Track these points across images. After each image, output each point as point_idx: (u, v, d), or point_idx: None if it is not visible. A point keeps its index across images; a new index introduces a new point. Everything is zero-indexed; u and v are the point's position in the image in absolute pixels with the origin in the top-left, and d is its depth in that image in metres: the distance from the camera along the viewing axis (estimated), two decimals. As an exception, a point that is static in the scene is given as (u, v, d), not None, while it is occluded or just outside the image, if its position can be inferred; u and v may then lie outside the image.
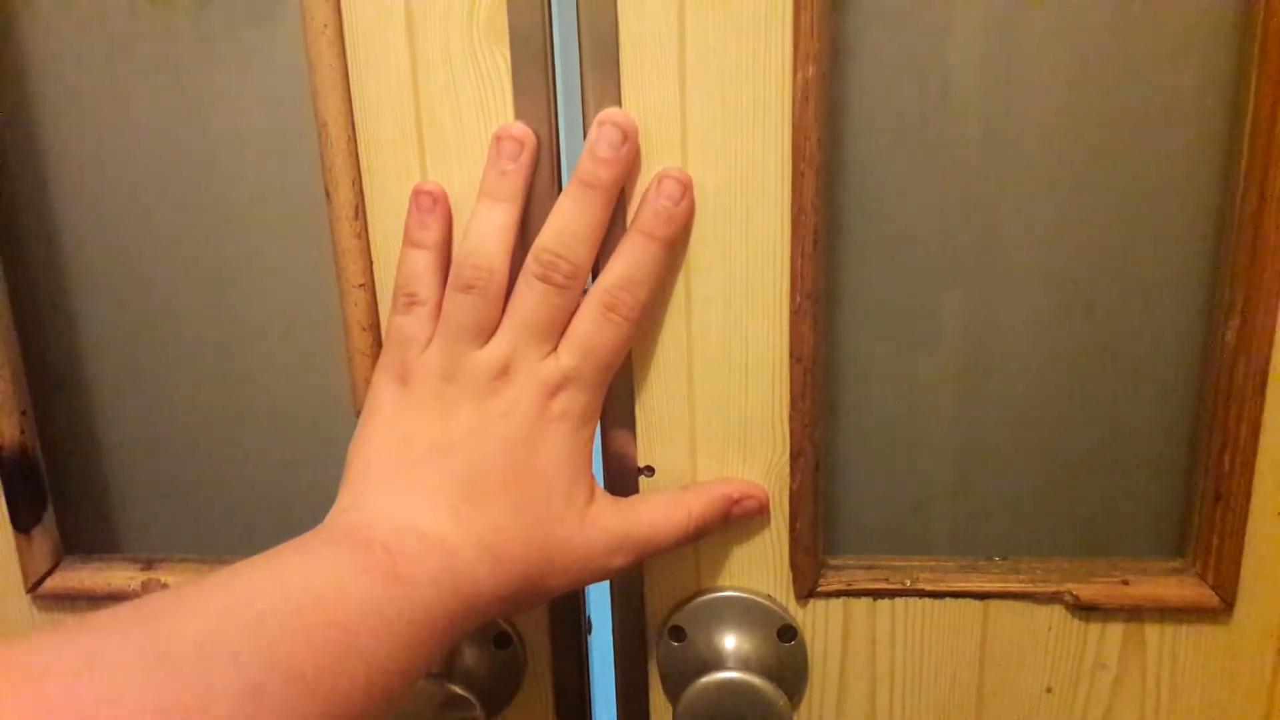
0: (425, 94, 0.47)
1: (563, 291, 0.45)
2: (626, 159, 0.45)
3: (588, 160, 0.45)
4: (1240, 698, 0.52)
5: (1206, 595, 0.50)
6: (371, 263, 0.50)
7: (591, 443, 0.48)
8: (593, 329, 0.46)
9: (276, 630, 0.35)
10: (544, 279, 0.45)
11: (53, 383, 0.56)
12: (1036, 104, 0.47)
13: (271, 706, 0.34)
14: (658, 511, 0.48)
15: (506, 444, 0.45)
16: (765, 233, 0.47)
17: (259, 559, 0.39)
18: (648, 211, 0.46)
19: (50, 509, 0.57)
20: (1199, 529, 0.50)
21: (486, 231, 0.45)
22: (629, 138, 0.45)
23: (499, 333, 0.46)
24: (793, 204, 0.46)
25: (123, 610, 0.35)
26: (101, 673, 0.32)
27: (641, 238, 0.46)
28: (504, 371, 0.45)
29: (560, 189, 0.46)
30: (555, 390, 0.46)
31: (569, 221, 0.45)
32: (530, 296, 0.45)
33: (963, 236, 0.49)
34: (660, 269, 0.47)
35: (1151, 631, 0.52)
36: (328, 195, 0.48)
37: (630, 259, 0.46)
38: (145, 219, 0.53)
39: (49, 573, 0.57)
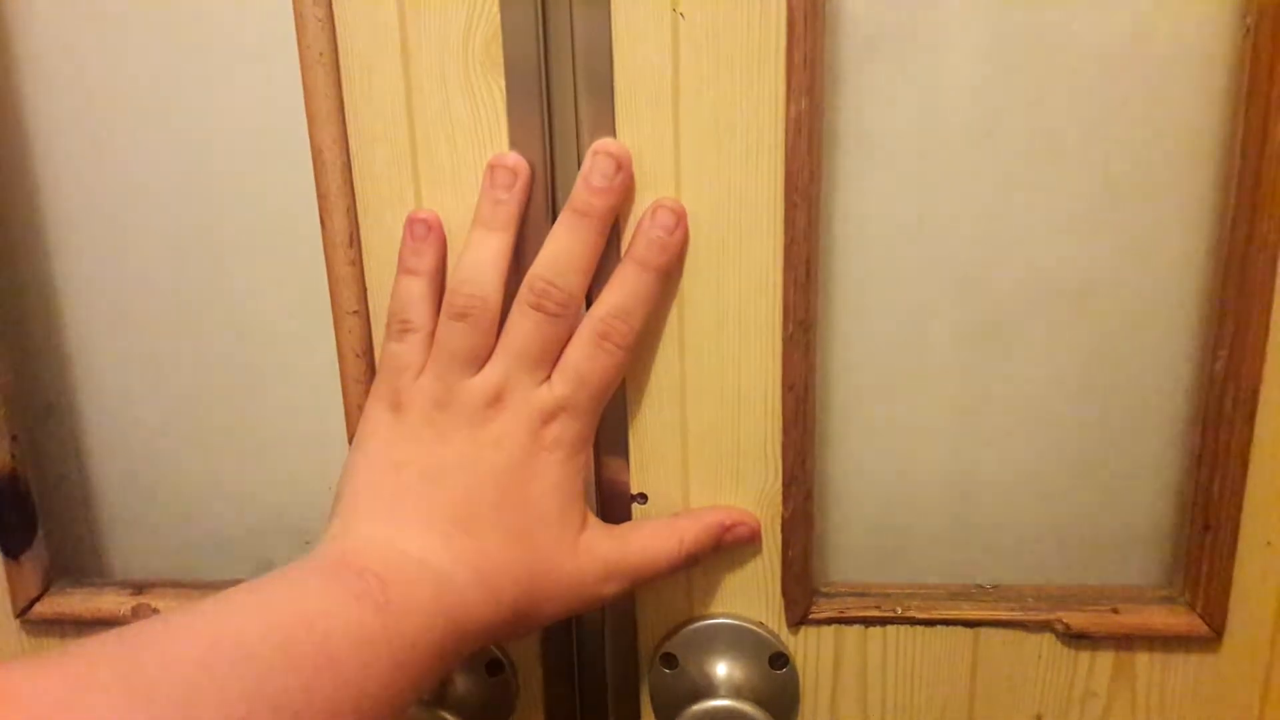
0: (420, 122, 0.47)
1: (556, 320, 0.45)
2: (620, 188, 0.46)
3: (582, 189, 0.45)
4: (1230, 726, 0.52)
5: (1195, 624, 0.51)
6: (365, 290, 0.50)
7: (584, 471, 0.48)
8: (586, 358, 0.46)
9: (266, 661, 0.35)
10: (537, 307, 0.45)
11: (43, 408, 0.56)
12: (1030, 137, 0.47)
13: None
14: (650, 539, 0.48)
15: (499, 472, 0.45)
16: (758, 262, 0.47)
17: (248, 586, 0.39)
18: (642, 241, 0.46)
19: (40, 534, 0.56)
20: (1188, 558, 0.51)
21: (480, 260, 0.46)
22: (623, 167, 0.45)
23: (492, 361, 0.46)
24: (785, 234, 0.46)
25: (110, 638, 0.35)
26: (87, 703, 0.32)
27: (635, 267, 0.46)
28: (497, 399, 0.45)
29: (554, 218, 0.46)
30: (548, 419, 0.46)
31: (563, 250, 0.45)
32: (524, 325, 0.45)
33: (955, 266, 0.49)
34: (654, 298, 0.47)
35: (1141, 660, 0.52)
36: (322, 222, 0.48)
37: (624, 288, 0.46)
38: (138, 245, 0.53)
39: (38, 598, 0.57)
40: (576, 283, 0.45)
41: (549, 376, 0.46)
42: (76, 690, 0.32)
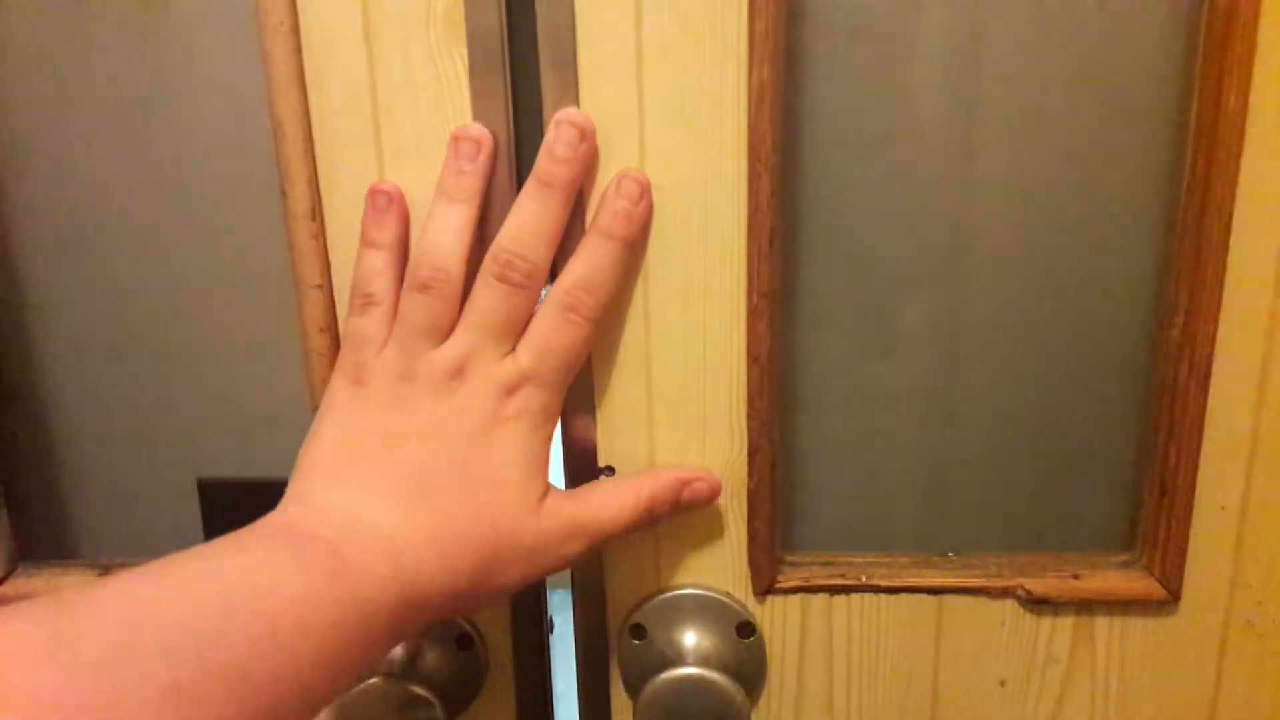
0: (383, 93, 0.47)
1: (520, 291, 0.45)
2: (584, 158, 0.46)
3: (545, 159, 0.45)
4: (1187, 687, 0.53)
5: (1153, 588, 0.51)
6: (329, 263, 0.49)
7: (549, 444, 0.47)
8: (552, 329, 0.46)
9: (204, 627, 0.35)
10: (502, 278, 0.45)
11: (7, 389, 0.55)
12: (991, 112, 0.48)
13: (194, 705, 0.33)
14: (610, 495, 0.48)
15: (461, 439, 0.45)
16: (722, 232, 0.48)
17: (195, 552, 0.38)
18: (607, 212, 0.46)
19: (4, 515, 0.56)
20: (1146, 524, 0.52)
21: (443, 231, 0.45)
22: (587, 137, 0.45)
23: (456, 333, 0.46)
24: (749, 204, 0.47)
25: (41, 601, 0.34)
26: (9, 664, 0.31)
27: (601, 238, 0.46)
28: (460, 371, 0.45)
29: (519, 190, 0.46)
30: (512, 390, 0.46)
31: (527, 221, 0.45)
32: (488, 296, 0.45)
33: (919, 238, 0.50)
34: (620, 270, 0.47)
35: (1101, 624, 0.53)
36: (283, 195, 0.48)
37: (589, 260, 0.46)
38: (99, 222, 0.53)
39: (3, 579, 0.56)
40: (541, 254, 0.45)
41: (514, 349, 0.46)
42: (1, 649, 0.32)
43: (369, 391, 0.46)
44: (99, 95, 0.51)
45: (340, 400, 0.47)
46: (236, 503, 0.56)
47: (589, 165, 0.46)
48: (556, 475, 0.49)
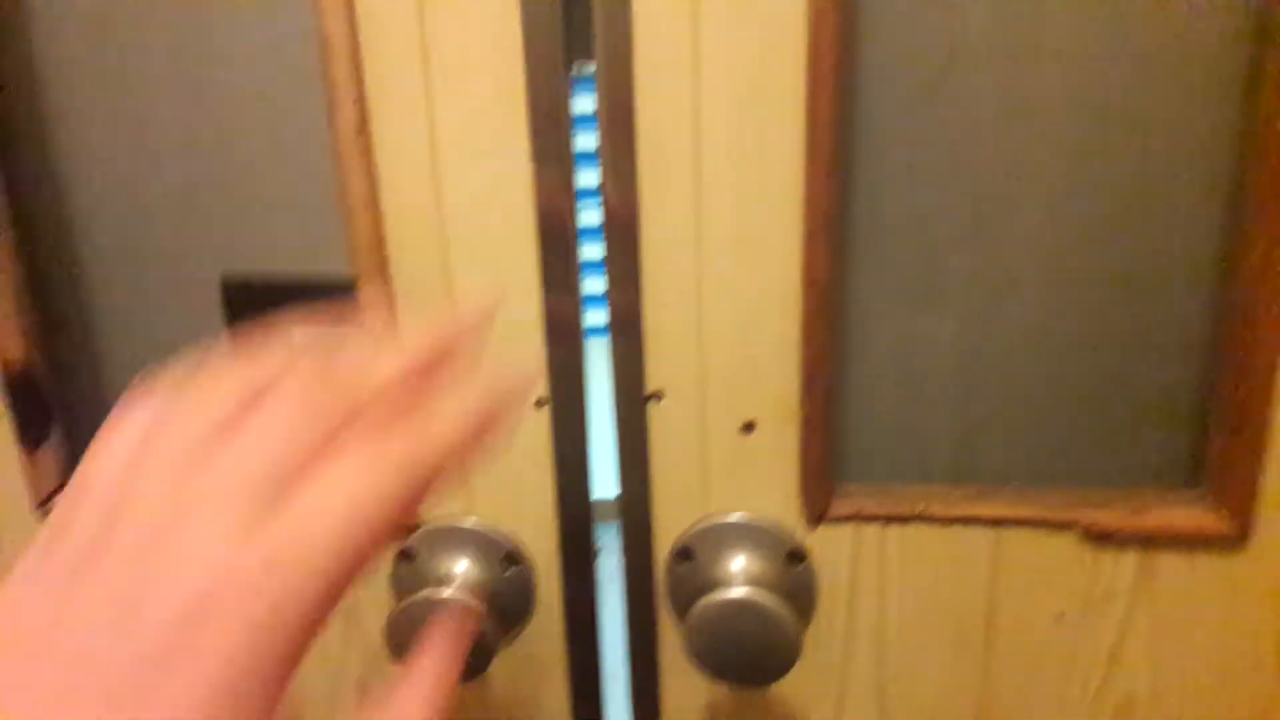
0: (431, 13, 0.45)
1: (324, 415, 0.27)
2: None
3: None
4: (1252, 628, 0.52)
5: (1221, 524, 0.50)
6: (375, 181, 0.48)
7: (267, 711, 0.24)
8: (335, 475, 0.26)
9: None
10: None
11: (60, 306, 0.56)
12: (1055, 35, 0.45)
13: None
14: None
15: (126, 664, 0.23)
16: (779, 154, 0.46)
17: None
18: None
19: (56, 427, 0.56)
20: (1215, 459, 0.50)
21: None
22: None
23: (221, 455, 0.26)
24: (808, 122, 0.45)
25: None
26: None
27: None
28: (175, 528, 0.25)
29: (570, 128, 0.44)
30: (217, 591, 0.24)
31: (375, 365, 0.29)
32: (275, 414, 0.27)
33: (977, 162, 0.48)
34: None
35: (1164, 560, 0.51)
36: (330, 111, 0.47)
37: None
38: (148, 144, 0.52)
39: (57, 490, 0.57)
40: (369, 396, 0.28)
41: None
42: None
43: (60, 539, 0.26)
44: (147, 27, 0.50)
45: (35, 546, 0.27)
46: (258, 301, 0.54)
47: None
48: (603, 405, 0.48)
